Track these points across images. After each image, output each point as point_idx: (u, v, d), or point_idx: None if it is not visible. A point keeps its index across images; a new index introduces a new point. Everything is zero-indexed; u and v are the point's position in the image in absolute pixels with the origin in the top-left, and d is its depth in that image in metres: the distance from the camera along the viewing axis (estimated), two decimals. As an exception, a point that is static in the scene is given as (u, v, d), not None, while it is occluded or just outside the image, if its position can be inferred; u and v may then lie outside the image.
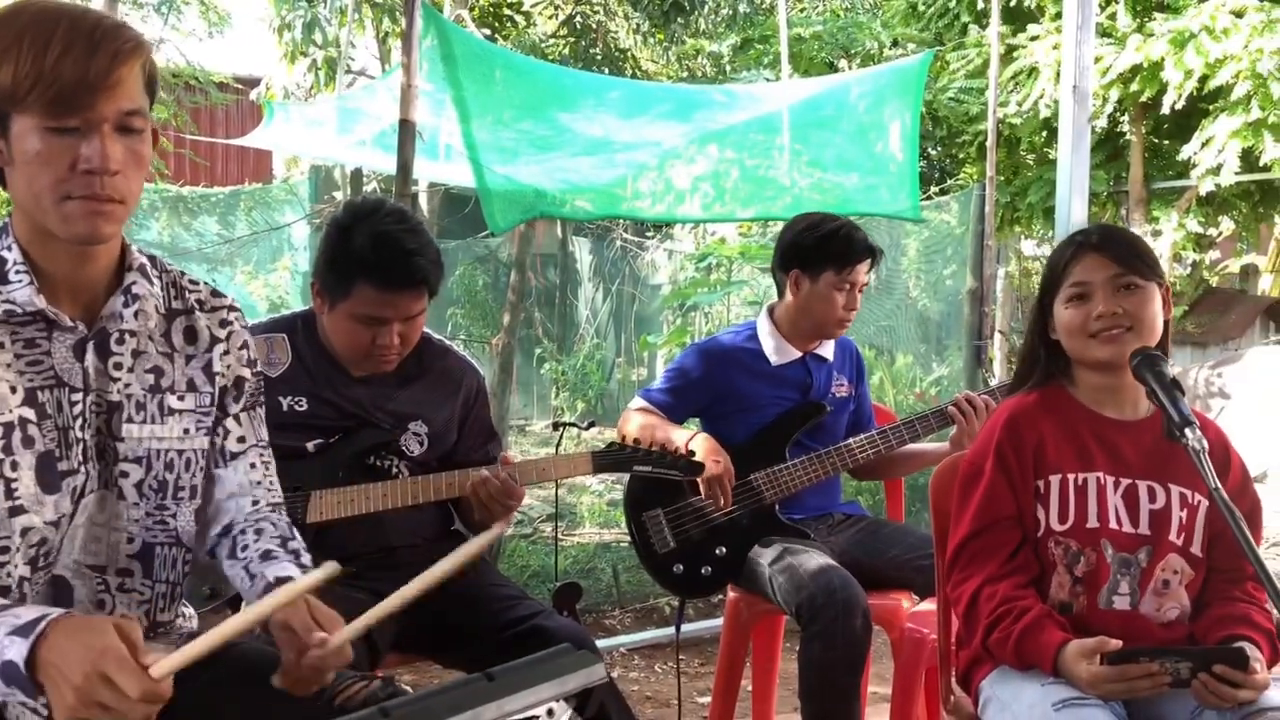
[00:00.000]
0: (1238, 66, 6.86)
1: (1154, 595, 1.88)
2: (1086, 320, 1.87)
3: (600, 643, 3.97)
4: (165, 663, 1.21)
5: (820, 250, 2.77)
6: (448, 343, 2.43)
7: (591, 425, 4.05)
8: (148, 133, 1.41)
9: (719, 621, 3.35)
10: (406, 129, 3.48)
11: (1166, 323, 1.93)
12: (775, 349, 2.87)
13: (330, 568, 1.33)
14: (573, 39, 11.14)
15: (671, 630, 3.98)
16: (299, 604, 1.40)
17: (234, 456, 1.62)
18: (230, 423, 1.61)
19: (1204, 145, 7.32)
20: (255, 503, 1.64)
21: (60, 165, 1.33)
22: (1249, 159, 7.38)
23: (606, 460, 2.35)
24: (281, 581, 1.46)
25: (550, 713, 1.15)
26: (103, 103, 1.33)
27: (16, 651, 1.21)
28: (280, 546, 1.57)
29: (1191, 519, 1.89)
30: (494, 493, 2.22)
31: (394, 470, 2.26)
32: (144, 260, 1.52)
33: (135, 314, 1.50)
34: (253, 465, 1.64)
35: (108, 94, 1.33)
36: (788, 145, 4.67)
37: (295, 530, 1.65)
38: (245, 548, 1.57)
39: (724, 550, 2.76)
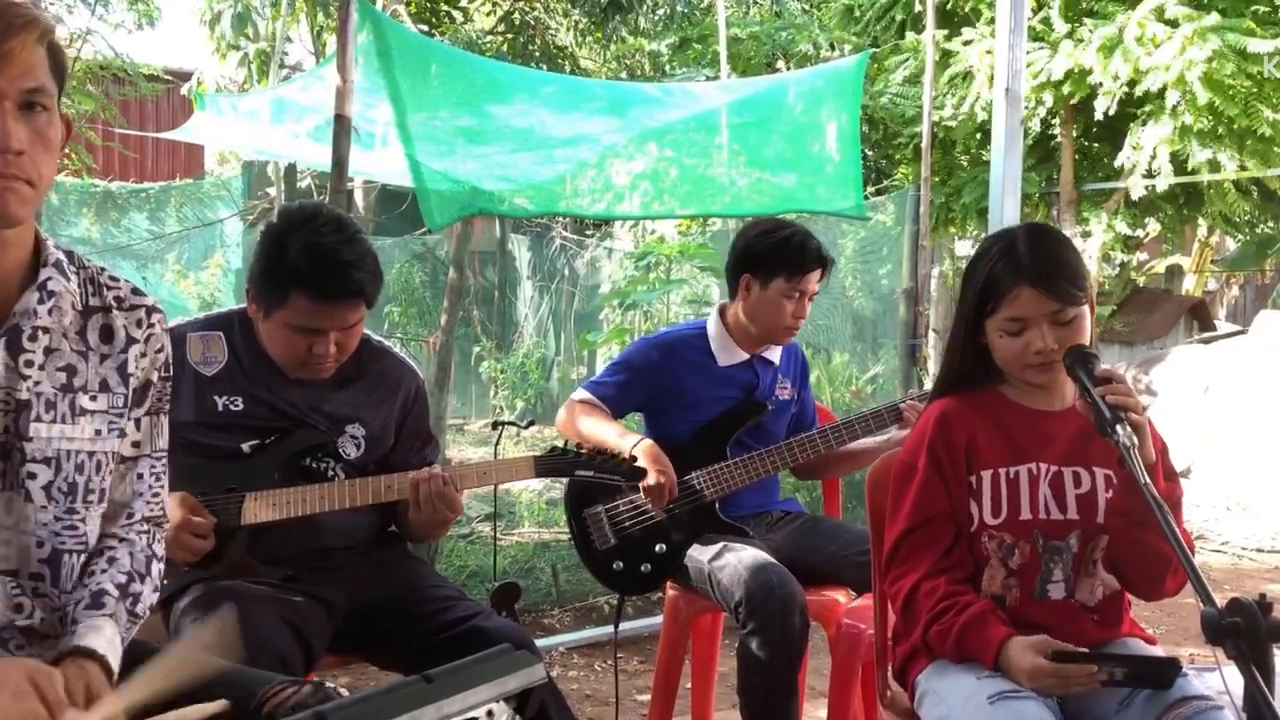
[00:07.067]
0: (1166, 75, 7.00)
1: (1086, 578, 1.92)
2: (1024, 352, 1.89)
3: (539, 642, 3.95)
4: None
5: (773, 257, 2.78)
6: (386, 344, 2.39)
7: (531, 424, 4.03)
8: (55, 116, 1.38)
9: (658, 619, 3.36)
10: (341, 124, 3.43)
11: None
12: (722, 349, 2.87)
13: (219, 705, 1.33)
14: (510, 35, 11.08)
15: (611, 629, 3.98)
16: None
17: (124, 461, 1.56)
18: (129, 426, 1.55)
19: (1136, 150, 7.48)
20: (130, 515, 1.57)
21: None
22: (1174, 162, 7.57)
23: (549, 464, 2.32)
24: (80, 654, 1.39)
25: (490, 714, 1.15)
26: (1, 79, 1.30)
27: None
28: (119, 590, 1.49)
29: None
30: (436, 490, 2.18)
31: (330, 473, 2.22)
32: (60, 255, 1.47)
33: (50, 310, 1.44)
34: (140, 475, 1.58)
35: (4, 68, 1.29)
36: (726, 145, 4.69)
37: (150, 562, 1.58)
38: (93, 574, 1.50)
39: (664, 548, 2.77)
